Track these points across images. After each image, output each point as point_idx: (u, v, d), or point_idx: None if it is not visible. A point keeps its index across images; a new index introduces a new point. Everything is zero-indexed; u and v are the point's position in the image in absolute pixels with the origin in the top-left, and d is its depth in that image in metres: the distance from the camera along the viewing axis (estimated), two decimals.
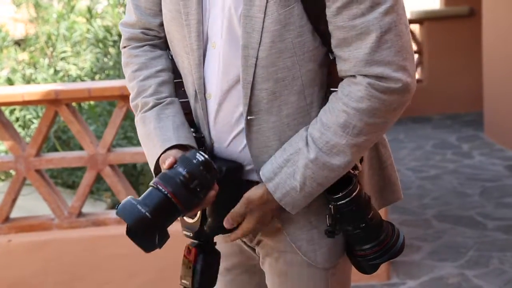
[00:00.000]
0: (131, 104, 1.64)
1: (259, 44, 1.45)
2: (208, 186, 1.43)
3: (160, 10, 1.62)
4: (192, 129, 1.59)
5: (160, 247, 1.42)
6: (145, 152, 1.61)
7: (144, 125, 1.58)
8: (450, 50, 7.70)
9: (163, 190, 1.40)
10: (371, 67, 1.40)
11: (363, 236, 1.57)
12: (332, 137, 1.45)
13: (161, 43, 1.65)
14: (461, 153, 6.44)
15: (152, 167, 1.57)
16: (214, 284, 1.60)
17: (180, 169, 1.41)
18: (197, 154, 1.43)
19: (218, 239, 1.70)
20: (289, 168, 1.48)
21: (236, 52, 1.49)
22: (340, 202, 1.52)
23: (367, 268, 1.61)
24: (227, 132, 1.55)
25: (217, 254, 1.60)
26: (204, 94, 1.55)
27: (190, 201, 1.42)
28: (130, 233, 1.40)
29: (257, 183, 1.56)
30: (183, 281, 1.59)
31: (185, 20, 1.53)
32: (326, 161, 1.46)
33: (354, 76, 1.43)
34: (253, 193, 1.52)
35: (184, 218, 1.57)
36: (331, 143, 1.46)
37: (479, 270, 3.90)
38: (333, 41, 1.45)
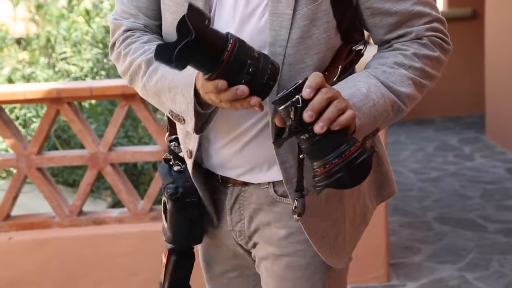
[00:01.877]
0: (132, 68, 1.56)
1: (287, 41, 1.44)
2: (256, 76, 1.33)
3: (159, 13, 1.60)
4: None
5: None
6: (169, 92, 1.49)
7: (159, 69, 1.51)
8: (452, 52, 7.66)
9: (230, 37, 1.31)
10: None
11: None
12: (390, 69, 1.47)
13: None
14: (462, 155, 6.44)
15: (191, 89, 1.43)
16: (186, 286, 1.67)
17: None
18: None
19: (213, 242, 1.71)
20: (350, 81, 1.45)
21: None
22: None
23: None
24: (228, 133, 1.55)
25: (190, 258, 1.65)
26: None
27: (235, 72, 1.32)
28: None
29: (253, 184, 1.57)
30: (160, 280, 1.67)
31: None
32: (385, 81, 1.45)
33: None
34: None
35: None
36: (389, 71, 1.47)
37: (479, 272, 3.90)
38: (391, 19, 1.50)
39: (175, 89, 1.46)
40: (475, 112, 7.82)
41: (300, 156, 1.44)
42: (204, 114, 1.45)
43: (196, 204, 1.64)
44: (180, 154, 1.70)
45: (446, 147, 6.75)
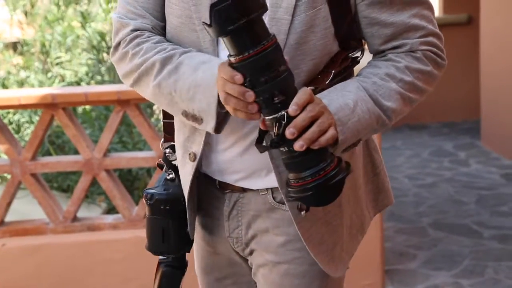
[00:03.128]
0: (141, 69, 1.52)
1: (284, 46, 1.44)
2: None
3: (164, 14, 1.58)
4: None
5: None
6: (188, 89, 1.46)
7: (179, 67, 1.48)
8: (448, 57, 7.65)
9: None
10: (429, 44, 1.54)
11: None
12: (380, 81, 1.48)
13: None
14: (457, 161, 6.44)
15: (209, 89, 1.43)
16: None
17: None
18: None
19: (209, 249, 1.70)
20: (340, 90, 1.45)
21: None
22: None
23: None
24: (229, 138, 1.54)
25: (178, 269, 1.68)
26: None
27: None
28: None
29: (252, 191, 1.56)
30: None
31: (198, 25, 1.50)
32: (373, 94, 1.46)
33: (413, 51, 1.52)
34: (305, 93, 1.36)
35: None
36: (379, 83, 1.48)
37: (474, 279, 3.89)
38: (387, 31, 1.51)
39: (196, 87, 1.44)
40: (470, 118, 7.83)
41: None
42: (221, 113, 1.44)
43: (170, 213, 1.64)
44: (173, 162, 1.69)
45: (442, 152, 6.75)
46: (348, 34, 1.51)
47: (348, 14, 1.48)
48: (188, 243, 1.67)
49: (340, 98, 1.42)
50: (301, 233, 1.54)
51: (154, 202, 1.64)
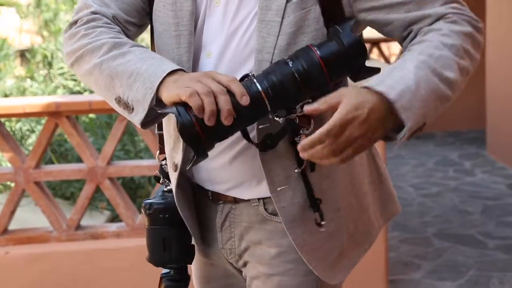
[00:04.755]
0: (84, 49, 1.47)
1: (274, 47, 1.43)
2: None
3: (134, 11, 1.56)
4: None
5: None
6: (122, 79, 1.41)
7: (127, 54, 1.44)
8: None
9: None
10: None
11: None
12: (437, 51, 1.36)
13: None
14: (463, 170, 6.42)
15: (151, 85, 1.37)
16: None
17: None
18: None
19: (205, 261, 1.70)
20: (398, 71, 1.34)
21: (239, 58, 1.47)
22: None
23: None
24: (217, 145, 1.53)
25: (181, 282, 1.66)
26: None
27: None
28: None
29: (242, 200, 1.55)
30: None
31: (174, 30, 1.49)
32: (434, 67, 1.34)
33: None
34: (346, 107, 1.28)
35: None
36: (436, 54, 1.35)
37: None
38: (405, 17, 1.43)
39: (138, 75, 1.39)
40: (476, 127, 7.81)
41: (296, 171, 1.44)
42: (154, 111, 1.38)
43: (169, 221, 1.63)
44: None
45: (447, 162, 6.73)
46: None
47: (340, 16, 1.45)
48: (189, 254, 1.66)
49: (401, 79, 1.32)
50: (293, 239, 1.53)
51: (153, 211, 1.63)
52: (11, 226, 3.67)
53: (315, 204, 1.51)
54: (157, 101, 1.37)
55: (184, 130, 1.30)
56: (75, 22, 1.53)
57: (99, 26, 1.50)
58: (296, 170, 1.45)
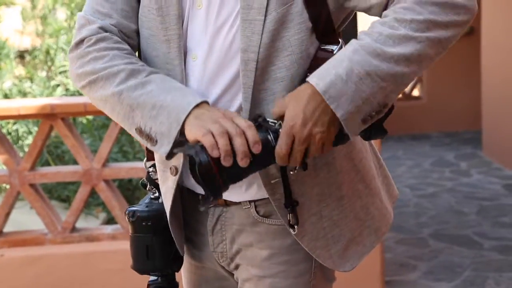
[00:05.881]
0: (102, 73, 1.45)
1: (259, 46, 1.42)
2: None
3: (136, 16, 1.55)
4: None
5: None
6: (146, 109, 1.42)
7: (147, 84, 1.43)
8: (449, 68, 7.71)
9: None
10: None
11: None
12: (386, 29, 1.34)
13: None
14: (459, 171, 6.43)
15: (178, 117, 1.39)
16: None
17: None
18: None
19: (196, 265, 1.69)
20: (333, 60, 1.35)
21: (224, 59, 1.46)
22: None
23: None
24: None
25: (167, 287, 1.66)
26: None
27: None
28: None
29: (233, 203, 1.55)
30: None
31: (163, 35, 1.49)
32: (377, 47, 1.33)
33: None
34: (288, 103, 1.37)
35: None
36: (385, 33, 1.33)
37: None
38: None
39: (161, 109, 1.40)
40: (471, 128, 7.82)
41: (291, 172, 1.44)
42: (177, 141, 1.40)
43: (153, 229, 1.62)
44: (157, 180, 1.68)
45: (443, 163, 6.74)
46: (327, 29, 1.47)
47: (323, 7, 1.44)
48: (176, 261, 1.65)
49: (332, 68, 1.34)
50: (298, 232, 1.52)
51: (136, 219, 1.62)
52: (6, 229, 3.66)
53: (291, 205, 1.50)
54: (180, 134, 1.39)
55: (200, 168, 1.32)
56: (82, 41, 1.50)
57: (110, 49, 1.48)
58: (291, 172, 1.44)
